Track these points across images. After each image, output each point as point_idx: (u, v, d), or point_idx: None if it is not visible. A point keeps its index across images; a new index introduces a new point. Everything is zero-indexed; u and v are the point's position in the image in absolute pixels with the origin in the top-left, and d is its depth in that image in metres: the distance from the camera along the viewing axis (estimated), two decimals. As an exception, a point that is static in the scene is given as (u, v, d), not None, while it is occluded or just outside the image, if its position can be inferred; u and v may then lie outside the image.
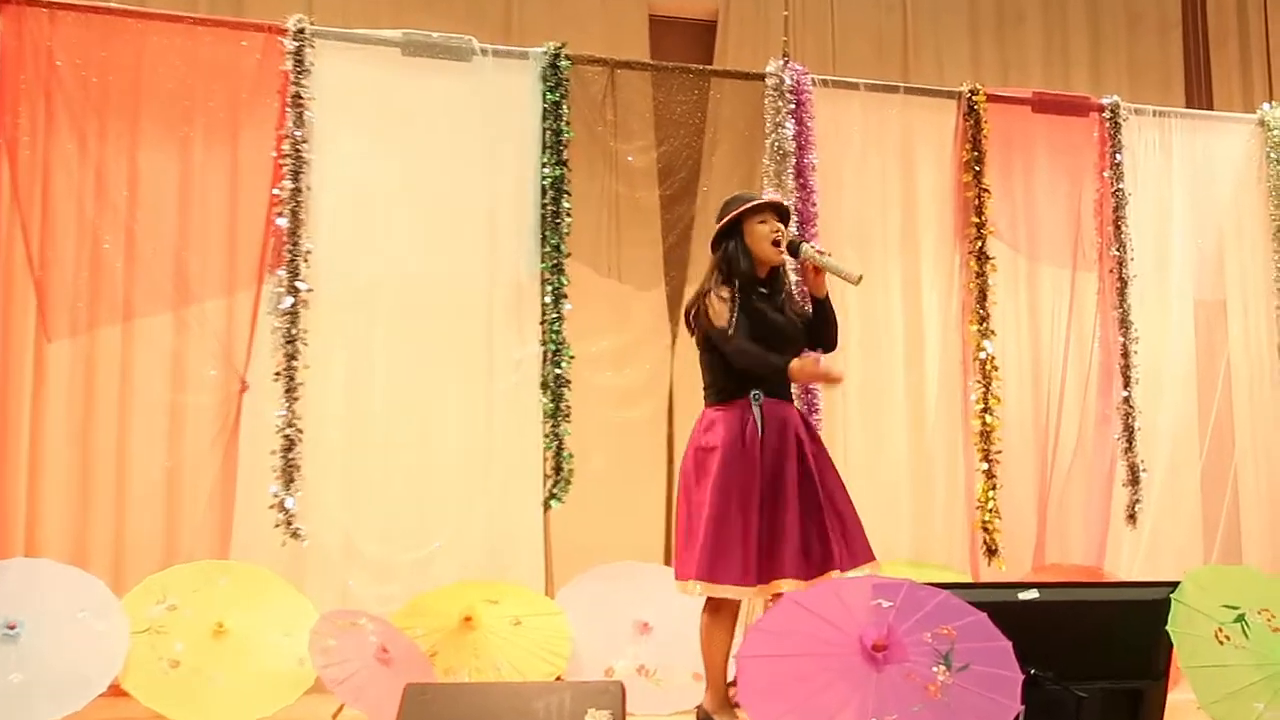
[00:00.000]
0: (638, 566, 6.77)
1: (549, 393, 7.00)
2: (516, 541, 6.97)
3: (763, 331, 5.03)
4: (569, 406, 7.02)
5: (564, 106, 7.25)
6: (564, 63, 7.29)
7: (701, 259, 7.53)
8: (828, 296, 5.20)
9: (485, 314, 7.12)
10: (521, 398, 7.06)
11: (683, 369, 7.45)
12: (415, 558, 6.81)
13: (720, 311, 5.05)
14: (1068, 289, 8.23)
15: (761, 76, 7.64)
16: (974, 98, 8.02)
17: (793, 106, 7.55)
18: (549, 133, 7.19)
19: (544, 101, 7.23)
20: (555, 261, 7.09)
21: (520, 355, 7.08)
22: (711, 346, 5.10)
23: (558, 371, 7.01)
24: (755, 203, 5.20)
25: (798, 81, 7.61)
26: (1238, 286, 8.56)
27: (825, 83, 7.82)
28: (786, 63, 7.66)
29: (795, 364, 4.92)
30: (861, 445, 7.73)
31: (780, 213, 5.24)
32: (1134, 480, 8.02)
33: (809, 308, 5.29)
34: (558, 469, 6.95)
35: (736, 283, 5.09)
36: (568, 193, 7.16)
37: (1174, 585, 4.87)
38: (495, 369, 7.08)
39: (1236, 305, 8.54)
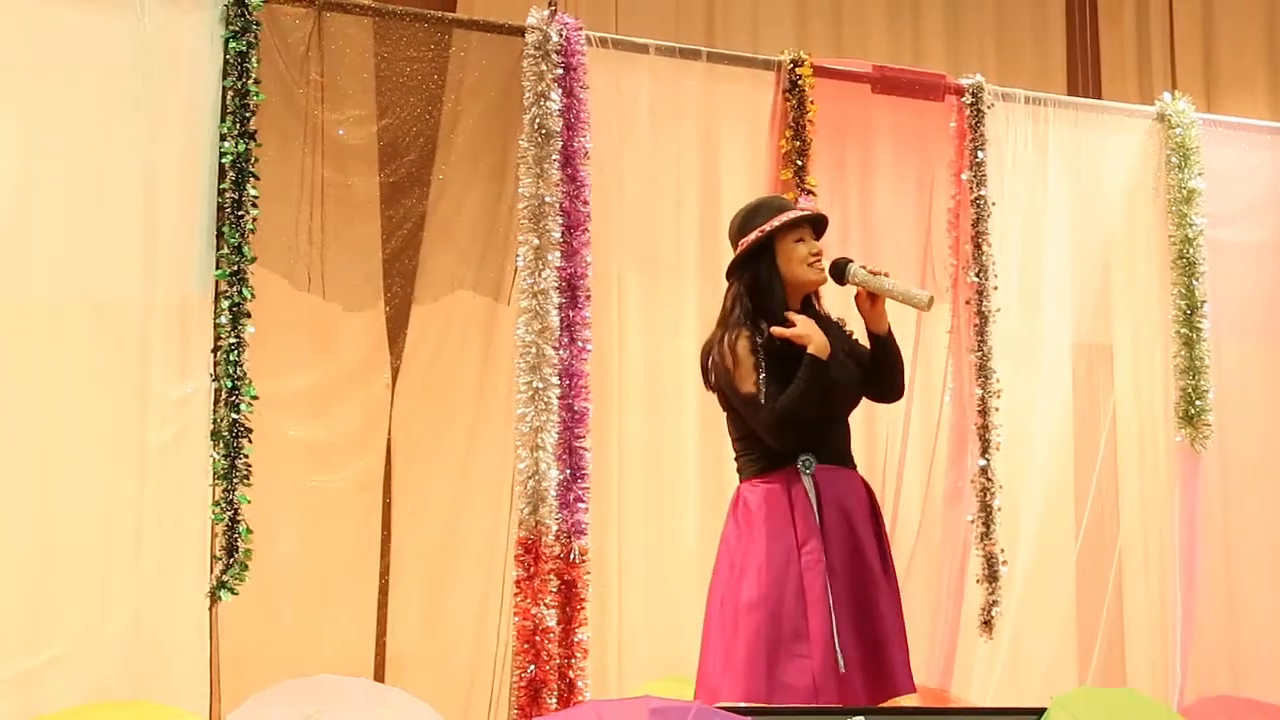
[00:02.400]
0: (340, 683, 6.78)
1: (222, 445, 6.96)
2: (171, 647, 6.88)
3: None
4: (249, 465, 6.97)
5: (252, 59, 7.22)
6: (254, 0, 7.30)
7: (436, 270, 7.67)
8: (890, 332, 5.31)
9: (137, 338, 7.03)
10: (183, 452, 7.00)
11: (406, 415, 7.51)
12: (29, 667, 6.66)
13: (745, 373, 5.19)
14: (913, 325, 8.48)
15: (520, 30, 7.73)
16: (798, 70, 8.25)
17: (560, 72, 7.65)
18: (231, 94, 7.16)
19: (226, 52, 7.19)
20: (235, 268, 7.06)
21: (183, 394, 7.04)
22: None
23: (234, 417, 6.98)
24: (793, 215, 5.31)
25: (568, 39, 7.71)
26: (1127, 326, 9.02)
27: (604, 42, 7.98)
28: (554, 13, 7.74)
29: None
30: (640, 527, 7.88)
31: (817, 227, 5.35)
32: (991, 576, 8.32)
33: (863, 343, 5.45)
34: (231, 549, 6.90)
35: (764, 325, 5.20)
36: (254, 176, 7.14)
37: (1039, 713, 5.09)
38: (149, 412, 7.01)
39: (1125, 350, 9.00)
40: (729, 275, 5.46)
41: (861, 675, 5.03)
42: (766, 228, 5.29)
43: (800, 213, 5.35)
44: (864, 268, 5.29)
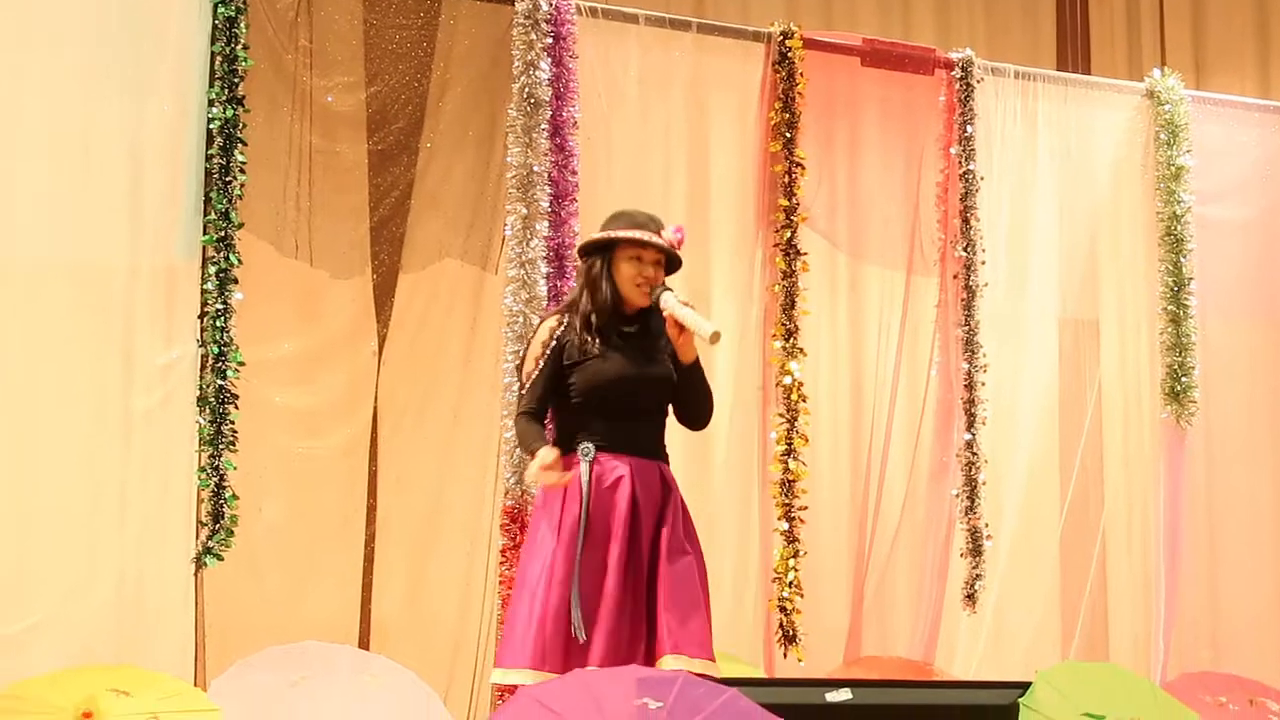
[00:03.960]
0: (324, 650, 6.81)
1: (208, 412, 6.98)
2: (156, 612, 6.91)
3: (599, 385, 5.26)
4: (235, 431, 7.00)
5: (240, 24, 7.22)
6: (244, -37, 7.30)
7: (423, 238, 7.68)
8: (695, 364, 5.36)
9: (122, 304, 7.04)
10: (169, 418, 7.02)
11: (392, 383, 7.53)
12: (13, 631, 6.69)
13: (531, 354, 5.39)
14: (900, 298, 8.58)
15: (510, -1, 7.77)
16: (788, 42, 8.28)
17: (550, 41, 7.67)
18: (219, 59, 7.16)
19: (214, 17, 7.20)
20: (222, 234, 7.07)
21: (169, 359, 7.05)
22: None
23: (221, 383, 6.99)
24: (639, 237, 5.37)
25: (557, 8, 7.72)
26: (1113, 302, 9.08)
27: (594, 12, 7.98)
28: (544, -18, 7.77)
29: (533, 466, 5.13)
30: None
31: (669, 261, 5.39)
32: (975, 549, 8.38)
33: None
34: (216, 515, 6.93)
35: (592, 318, 5.33)
36: (242, 141, 7.15)
37: (1023, 687, 5.13)
38: (135, 378, 7.02)
39: (1111, 326, 9.06)
40: (579, 254, 5.63)
41: (611, 643, 5.06)
42: (613, 234, 5.41)
43: (647, 238, 5.39)
44: (676, 296, 5.35)
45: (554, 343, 5.32)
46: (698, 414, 5.48)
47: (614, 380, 5.26)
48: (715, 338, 5.16)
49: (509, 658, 5.10)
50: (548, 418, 5.40)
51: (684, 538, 5.29)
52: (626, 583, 5.14)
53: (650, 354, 5.36)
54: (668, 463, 5.39)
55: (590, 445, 5.21)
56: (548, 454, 5.07)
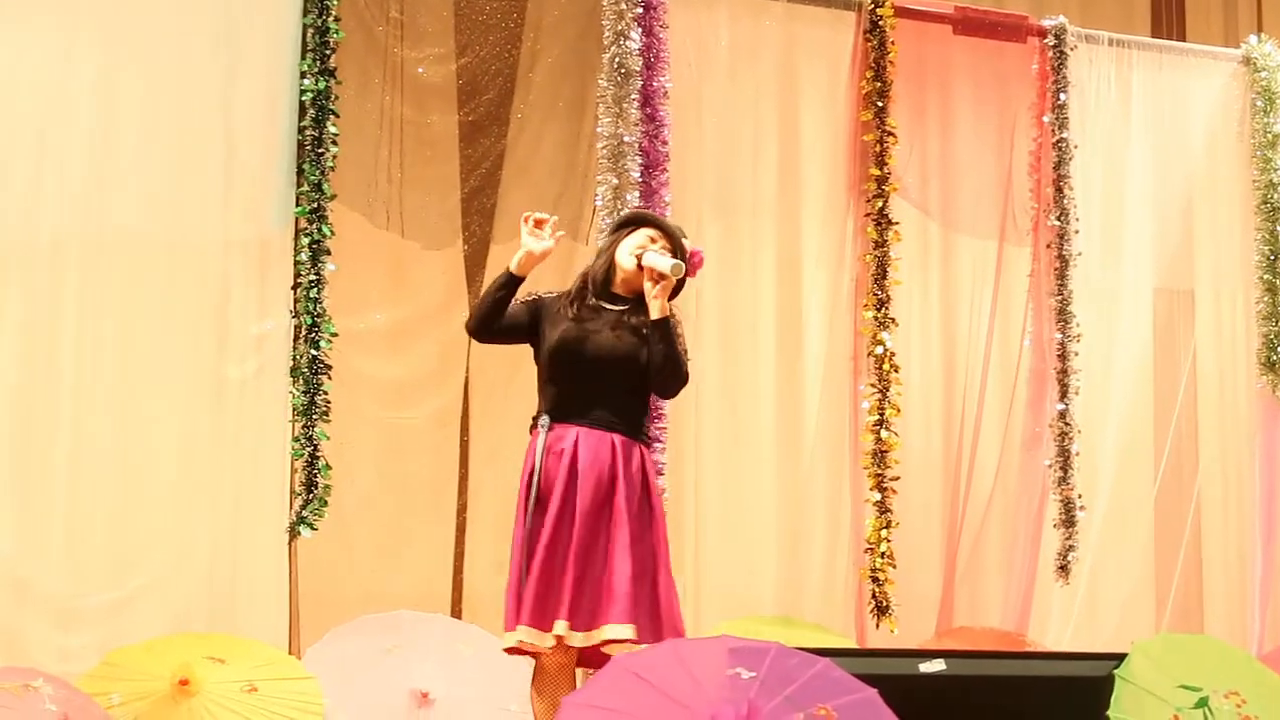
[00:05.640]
0: (417, 618, 6.84)
1: (301, 382, 7.02)
2: (251, 581, 6.99)
3: (568, 346, 5.29)
4: (328, 401, 7.04)
5: (333, -4, 7.29)
6: (334, -65, 7.32)
7: (514, 209, 7.67)
8: (661, 321, 5.31)
9: (216, 275, 7.11)
10: (263, 388, 7.08)
11: (483, 355, 7.53)
12: (111, 599, 6.78)
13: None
14: (992, 269, 8.52)
15: (600, -31, 7.75)
16: (879, 10, 8.21)
17: (640, 11, 7.64)
18: (311, 31, 7.19)
19: (306, -11, 7.26)
20: (315, 206, 7.10)
21: (263, 330, 7.10)
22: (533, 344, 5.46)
23: (314, 354, 7.03)
24: (657, 221, 5.50)
25: (648, -23, 7.73)
26: (1209, 271, 8.98)
27: (685, -19, 7.97)
28: (634, -48, 7.76)
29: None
30: (717, 467, 7.90)
31: (678, 264, 5.39)
32: (1069, 520, 8.32)
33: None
34: (310, 485, 6.97)
35: (585, 287, 5.39)
36: (334, 114, 7.17)
37: (1118, 659, 5.08)
38: (228, 349, 7.09)
39: (1206, 295, 8.96)
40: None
41: (566, 608, 5.13)
42: (630, 225, 5.49)
43: (664, 222, 5.55)
44: (658, 250, 5.35)
45: (536, 296, 5.41)
46: (664, 377, 5.37)
47: (568, 346, 5.29)
48: (676, 270, 5.16)
49: (506, 623, 5.20)
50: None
51: (626, 515, 5.25)
52: (555, 548, 5.16)
53: (623, 333, 5.33)
54: (635, 438, 5.34)
55: (547, 418, 5.28)
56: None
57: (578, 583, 5.13)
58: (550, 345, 5.30)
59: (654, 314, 5.26)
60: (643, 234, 5.39)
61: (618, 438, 5.29)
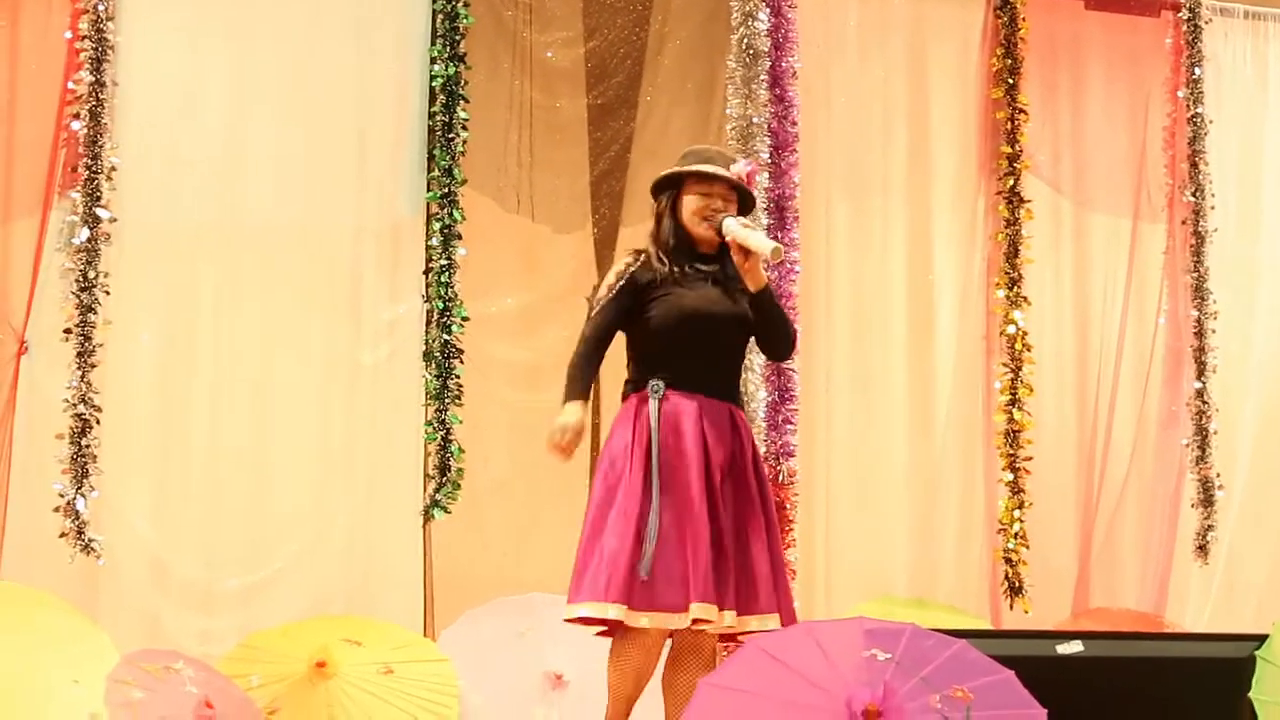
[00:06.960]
0: (550, 601, 6.84)
1: (434, 366, 7.06)
2: (386, 564, 7.05)
3: (674, 319, 5.15)
4: (460, 385, 7.09)
5: (463, -19, 7.31)
6: (463, -78, 7.35)
7: (643, 191, 7.65)
8: (764, 290, 5.26)
9: (350, 260, 7.19)
10: (396, 372, 7.14)
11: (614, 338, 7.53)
12: (249, 583, 6.88)
13: (603, 289, 5.26)
14: (1126, 246, 8.42)
15: (725, -49, 7.73)
16: (1010, -13, 8.18)
17: (768, -9, 7.65)
18: (441, 17, 7.24)
19: (435, -25, 7.30)
20: (446, 191, 7.15)
21: (396, 315, 7.15)
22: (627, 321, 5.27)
23: (446, 338, 7.07)
24: (703, 169, 5.27)
25: (775, -41, 7.71)
26: (1351, 247, 8.79)
27: (811, -39, 7.93)
28: (754, -65, 7.73)
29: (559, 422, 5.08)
30: (849, 449, 7.87)
31: (741, 198, 5.32)
32: (1207, 500, 8.22)
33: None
34: (443, 468, 7.02)
35: (660, 254, 5.22)
36: (465, 99, 7.21)
37: (1260, 639, 5.00)
38: (362, 333, 7.16)
39: (1349, 271, 8.78)
40: (652, 193, 5.42)
41: (667, 586, 4.94)
42: (678, 169, 5.26)
43: (713, 170, 5.27)
44: (740, 221, 5.20)
45: (628, 275, 5.18)
46: (776, 342, 5.31)
47: (690, 315, 5.11)
48: (777, 254, 5.04)
49: (580, 593, 5.02)
50: (601, 364, 5.30)
51: (755, 495, 5.16)
52: (714, 522, 5.02)
53: (728, 293, 5.20)
54: (742, 407, 5.27)
55: (660, 383, 5.09)
56: (570, 418, 5.04)
57: (720, 564, 5.00)
58: (665, 312, 5.11)
59: (753, 286, 5.14)
60: (702, 194, 5.18)
61: (734, 410, 5.24)
